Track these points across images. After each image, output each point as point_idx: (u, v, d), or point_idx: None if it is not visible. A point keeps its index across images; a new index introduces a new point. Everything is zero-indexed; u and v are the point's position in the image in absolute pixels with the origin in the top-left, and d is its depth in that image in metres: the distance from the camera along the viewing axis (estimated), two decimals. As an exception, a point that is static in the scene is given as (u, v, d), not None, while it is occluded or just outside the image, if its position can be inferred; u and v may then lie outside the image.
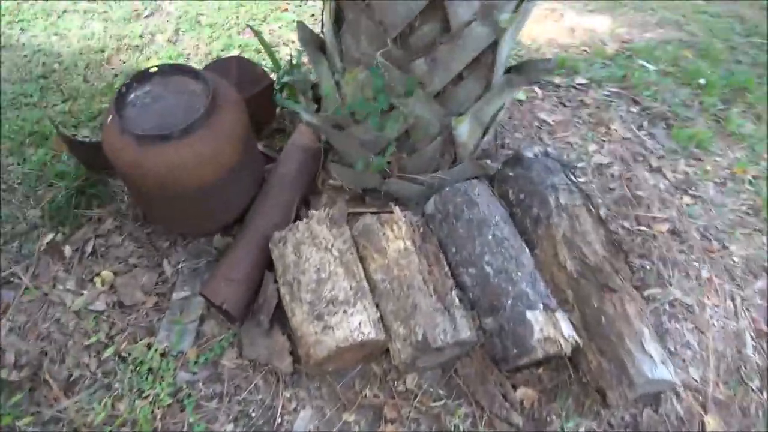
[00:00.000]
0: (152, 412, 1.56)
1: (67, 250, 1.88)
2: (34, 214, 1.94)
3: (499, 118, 1.99)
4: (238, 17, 2.98)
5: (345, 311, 1.56)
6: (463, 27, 1.50)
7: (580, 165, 2.34)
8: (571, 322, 1.70)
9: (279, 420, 1.61)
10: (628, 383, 1.58)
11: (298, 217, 1.89)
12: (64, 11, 2.94)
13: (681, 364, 1.83)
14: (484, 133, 1.96)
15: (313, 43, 1.82)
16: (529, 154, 1.97)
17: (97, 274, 1.81)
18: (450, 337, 1.56)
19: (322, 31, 1.83)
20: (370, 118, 1.65)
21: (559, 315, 1.66)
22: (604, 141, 2.50)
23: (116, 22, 2.88)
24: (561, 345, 1.60)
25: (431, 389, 1.70)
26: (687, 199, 2.34)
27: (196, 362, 1.67)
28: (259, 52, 2.74)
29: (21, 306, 1.75)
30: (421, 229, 1.83)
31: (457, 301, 1.65)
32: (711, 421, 1.72)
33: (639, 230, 2.14)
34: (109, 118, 1.62)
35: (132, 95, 1.67)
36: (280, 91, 2.08)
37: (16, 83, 2.48)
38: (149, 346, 1.69)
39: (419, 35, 1.55)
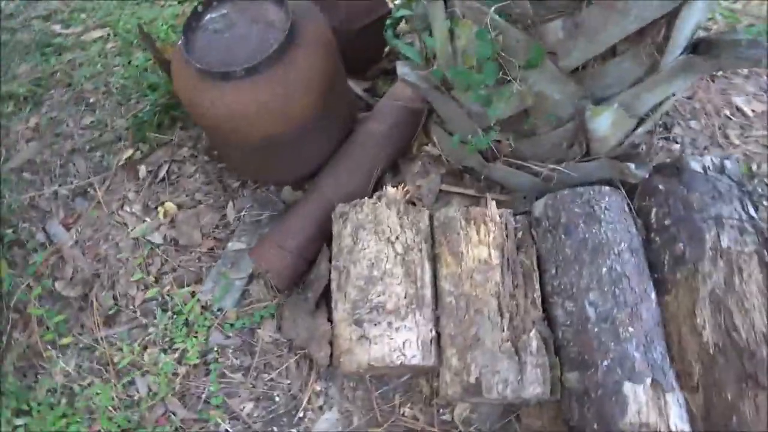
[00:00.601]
0: (176, 368, 1.46)
1: (142, 170, 1.79)
2: (121, 124, 1.87)
3: (665, 108, 1.46)
4: None
5: (390, 324, 1.28)
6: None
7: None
8: (689, 410, 1.26)
9: (301, 414, 1.43)
10: None
11: (380, 186, 1.60)
12: None
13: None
14: (638, 126, 1.45)
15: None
16: (695, 166, 1.43)
17: (162, 204, 1.71)
18: (511, 391, 1.22)
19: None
20: (471, 91, 1.25)
21: (672, 398, 1.23)
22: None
23: None
24: (663, 438, 1.19)
25: (481, 429, 1.40)
26: None
27: (232, 325, 1.53)
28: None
29: (90, 220, 1.72)
30: (520, 235, 1.45)
31: (534, 344, 1.28)
32: None
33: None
34: (178, 43, 1.41)
35: (207, 17, 1.43)
36: (392, 27, 1.71)
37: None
38: (192, 294, 1.57)
39: (560, -15, 1.09)
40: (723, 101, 1.89)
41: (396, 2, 1.77)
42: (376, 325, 1.28)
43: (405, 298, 1.31)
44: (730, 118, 1.84)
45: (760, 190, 1.69)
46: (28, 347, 1.53)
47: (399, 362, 1.25)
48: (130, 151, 1.82)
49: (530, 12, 1.12)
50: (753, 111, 1.88)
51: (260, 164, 1.58)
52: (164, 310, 1.56)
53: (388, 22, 1.69)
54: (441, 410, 1.43)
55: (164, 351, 1.50)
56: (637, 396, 1.21)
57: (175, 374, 1.46)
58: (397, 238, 1.37)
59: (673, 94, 1.38)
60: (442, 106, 1.51)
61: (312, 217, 1.51)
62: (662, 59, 1.20)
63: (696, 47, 1.26)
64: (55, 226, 1.72)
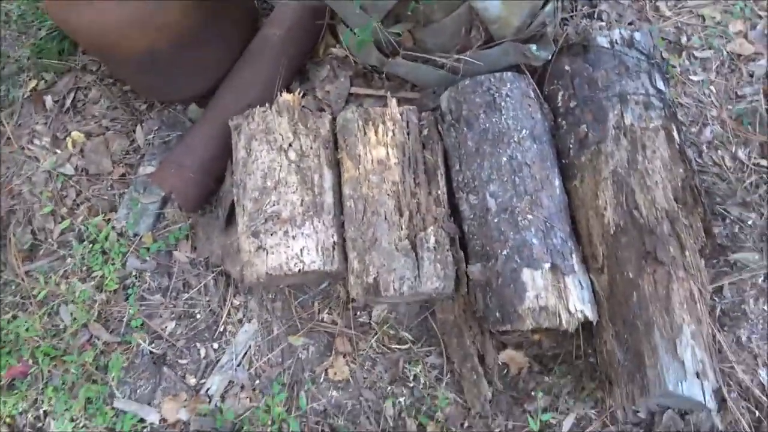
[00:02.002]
0: (95, 297, 1.47)
1: (49, 100, 1.72)
2: (23, 54, 1.78)
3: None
4: None
5: (286, 232, 1.26)
6: None
7: (701, 55, 1.62)
8: (593, 288, 1.26)
9: (222, 328, 1.46)
10: (640, 386, 1.17)
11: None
12: None
13: (750, 362, 1.34)
14: (545, 4, 1.36)
15: None
16: (603, 41, 1.35)
17: (70, 134, 1.66)
18: (407, 287, 1.22)
19: None
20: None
21: (571, 281, 1.22)
22: (760, 17, 1.69)
23: None
24: (561, 320, 1.19)
25: (398, 328, 1.42)
26: None
27: (149, 249, 1.52)
28: None
29: (3, 156, 1.68)
30: (425, 132, 1.39)
31: (432, 240, 1.26)
32: (760, 449, 1.27)
33: (757, 165, 1.49)
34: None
35: None
36: None
37: None
38: (107, 221, 1.56)
39: None
40: (656, -30, 1.76)
41: None
42: (272, 235, 1.26)
43: (301, 206, 1.29)
44: (660, -9, 1.72)
45: (687, 62, 1.60)
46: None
47: (297, 269, 1.24)
48: (34, 82, 1.75)
49: None
50: (688, -21, 1.75)
51: (156, 81, 1.51)
52: (80, 241, 1.55)
53: None
54: (358, 313, 1.45)
55: (83, 280, 1.50)
56: (535, 282, 1.20)
57: (95, 301, 1.47)
58: (290, 145, 1.32)
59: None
60: (335, 3, 1.41)
61: (213, 133, 1.46)
62: None
63: None
64: (-34, 166, 1.69)
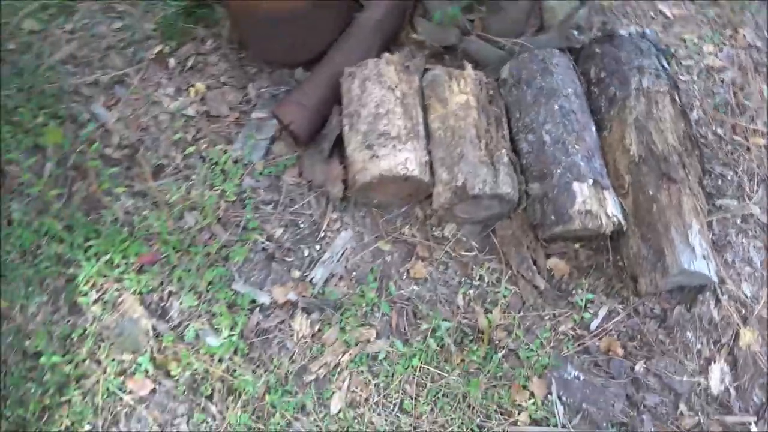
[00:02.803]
0: (218, 203, 1.79)
1: (172, 61, 2.10)
2: (149, 27, 2.17)
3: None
4: None
5: (394, 146, 1.64)
6: None
7: (686, 63, 2.15)
8: (622, 206, 1.68)
9: (322, 235, 1.79)
10: (662, 270, 1.56)
11: (376, 64, 1.96)
12: None
13: (735, 278, 1.75)
14: (582, 5, 1.86)
15: None
16: (623, 33, 1.86)
17: (192, 86, 2.03)
18: (489, 188, 1.60)
19: None
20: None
21: (608, 193, 1.64)
22: (724, 44, 2.25)
23: None
24: (602, 221, 1.60)
25: (466, 240, 1.78)
26: (805, 121, 2.10)
27: (261, 173, 1.86)
28: None
29: (128, 101, 2.02)
30: (491, 92, 1.83)
31: (506, 158, 1.67)
32: (747, 333, 1.66)
33: (732, 139, 1.98)
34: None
35: None
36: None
37: None
38: (225, 152, 1.90)
39: None
40: (650, 6, 2.33)
41: None
42: (383, 147, 1.64)
43: (404, 129, 1.68)
44: (654, 18, 2.28)
45: (677, 68, 2.13)
46: (87, 196, 1.82)
47: (403, 173, 1.61)
48: (159, 47, 2.12)
49: None
50: (674, 14, 2.33)
51: (282, 42, 1.91)
52: (203, 162, 1.88)
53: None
54: (433, 229, 1.81)
55: (206, 191, 1.82)
56: (582, 191, 1.61)
57: (217, 207, 1.79)
58: (396, 86, 1.74)
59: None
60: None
61: (325, 81, 1.86)
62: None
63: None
64: (99, 107, 2.01)
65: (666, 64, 1.82)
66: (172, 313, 1.66)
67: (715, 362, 1.62)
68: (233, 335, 1.61)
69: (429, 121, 1.78)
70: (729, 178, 1.90)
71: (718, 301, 1.70)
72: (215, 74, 2.07)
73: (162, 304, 1.68)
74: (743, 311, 1.70)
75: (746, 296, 1.72)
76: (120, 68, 2.09)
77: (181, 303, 1.67)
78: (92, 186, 1.84)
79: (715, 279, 1.55)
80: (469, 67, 1.81)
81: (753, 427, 1.54)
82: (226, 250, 1.74)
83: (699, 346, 1.64)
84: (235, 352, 1.60)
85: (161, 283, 1.70)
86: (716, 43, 2.24)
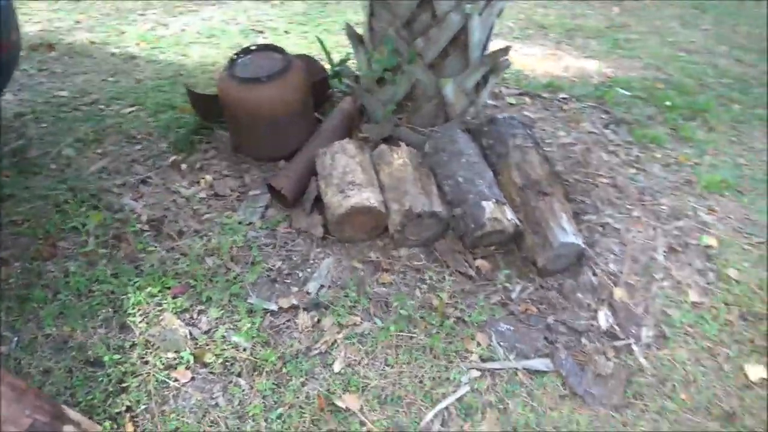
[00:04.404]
0: (230, 247, 2.41)
1: (184, 166, 2.83)
2: (164, 145, 2.93)
3: (483, 97, 2.86)
4: (310, 48, 4.09)
5: (359, 189, 2.39)
6: (445, 15, 2.43)
7: (549, 141, 3.14)
8: (518, 218, 2.45)
9: (311, 262, 2.41)
10: (549, 248, 2.30)
11: (336, 153, 2.78)
12: (190, 42, 4.14)
13: (604, 261, 2.51)
14: (471, 105, 2.82)
15: (354, 36, 2.80)
16: (500, 117, 2.81)
17: (203, 178, 2.75)
18: (428, 208, 2.35)
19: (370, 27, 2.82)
20: (386, 74, 2.57)
21: (506, 207, 2.42)
22: (572, 131, 3.29)
23: (225, 49, 4.04)
24: (505, 224, 2.36)
25: (416, 256, 2.47)
26: (632, 171, 3.07)
27: (260, 227, 2.52)
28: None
29: (152, 194, 2.69)
30: (420, 160, 2.67)
31: (435, 191, 2.45)
32: (618, 291, 2.37)
33: (585, 181, 2.89)
34: (223, 71, 2.63)
35: (239, 60, 2.68)
36: (333, 78, 3.06)
37: (155, 80, 3.61)
38: (231, 217, 2.56)
39: (419, 22, 2.49)
40: (519, 113, 3.38)
41: (332, 67, 3.12)
42: (352, 190, 2.39)
43: (365, 180, 2.45)
44: (523, 119, 3.31)
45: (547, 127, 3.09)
46: (127, 254, 2.39)
47: (367, 204, 2.34)
48: (174, 157, 2.87)
49: (407, 34, 2.50)
50: (536, 116, 3.38)
51: (269, 141, 2.72)
52: (215, 224, 2.52)
53: (331, 73, 3.04)
54: (392, 251, 2.49)
55: (223, 236, 2.44)
56: (489, 206, 2.38)
57: (230, 250, 2.40)
58: (356, 155, 2.54)
59: (487, 85, 2.78)
60: (368, 101, 2.79)
61: (304, 163, 2.64)
62: (469, 58, 2.61)
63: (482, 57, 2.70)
64: (128, 200, 2.66)
65: (529, 132, 2.76)
66: (202, 323, 2.17)
67: (600, 310, 2.29)
68: (252, 330, 2.13)
69: (380, 178, 2.56)
70: (587, 202, 2.76)
71: (594, 273, 2.43)
72: (218, 170, 2.81)
73: (194, 319, 2.19)
74: (613, 279, 2.43)
75: (614, 270, 2.46)
76: (143, 173, 2.80)
77: (208, 315, 2.19)
78: (130, 246, 2.42)
79: (583, 245, 2.30)
80: (403, 144, 2.67)
81: (634, 347, 2.18)
82: (240, 278, 2.32)
83: (587, 302, 2.32)
84: (255, 341, 2.11)
85: (192, 305, 2.22)
86: (566, 130, 3.28)
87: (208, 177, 2.76)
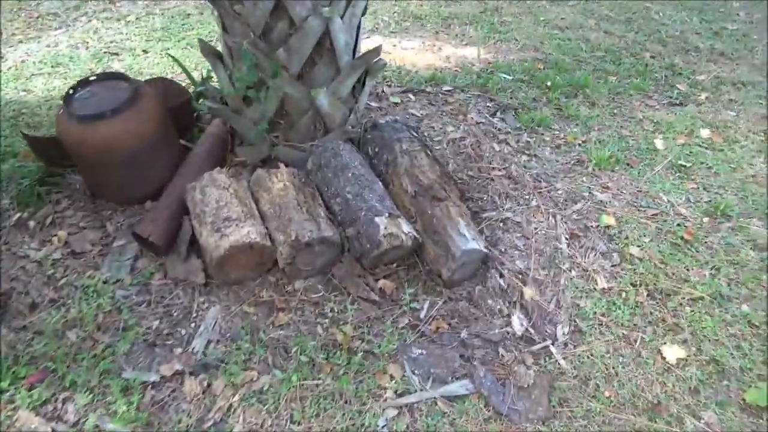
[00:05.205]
0: (95, 314, 2.06)
1: (32, 224, 2.42)
2: (5, 203, 2.50)
3: (363, 102, 2.67)
4: (173, 67, 3.72)
5: (237, 225, 2.12)
6: (303, 21, 2.20)
7: (438, 139, 3.01)
8: (415, 229, 2.29)
9: (195, 315, 2.12)
10: (451, 257, 2.15)
11: (211, 184, 2.48)
12: (33, 74, 3.64)
13: (509, 259, 2.41)
14: (351, 112, 2.62)
15: (211, 52, 2.51)
16: (382, 121, 2.64)
17: (55, 235, 2.36)
18: (316, 234, 2.12)
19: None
20: (250, 92, 2.31)
21: (401, 220, 2.25)
22: (460, 124, 3.19)
23: (74, 78, 3.57)
24: (402, 238, 2.18)
25: (313, 287, 2.24)
26: (525, 158, 3.01)
27: (131, 284, 2.19)
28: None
29: (-5, 263, 2.27)
30: (303, 180, 2.44)
31: (323, 214, 2.23)
32: (528, 290, 2.27)
33: (480, 176, 2.79)
34: (60, 110, 2.25)
35: (77, 94, 2.31)
36: (196, 99, 2.74)
37: (-9, 125, 3.11)
38: (94, 277, 2.21)
39: (276, 31, 2.25)
40: (404, 112, 3.23)
41: (194, 87, 2.80)
42: (229, 227, 2.11)
43: (242, 212, 2.18)
44: (408, 118, 3.17)
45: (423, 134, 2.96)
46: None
47: (248, 241, 2.08)
48: (18, 215, 2.44)
49: (265, 46, 2.25)
50: (422, 113, 3.25)
51: (127, 181, 2.37)
52: (76, 290, 2.16)
53: (194, 93, 2.73)
54: (286, 286, 2.24)
55: (86, 302, 2.08)
56: (383, 222, 2.20)
57: (96, 318, 2.05)
58: (229, 186, 2.26)
59: (363, 90, 2.59)
60: (236, 122, 2.52)
61: (172, 200, 2.32)
62: (340, 64, 2.40)
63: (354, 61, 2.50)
64: (-36, 275, 2.23)
65: (416, 133, 2.60)
66: (69, 414, 1.83)
67: (513, 315, 2.19)
68: (131, 412, 1.81)
69: (260, 207, 2.30)
70: (485, 199, 2.65)
71: (501, 275, 2.32)
72: (74, 222, 2.43)
73: (57, 411, 1.84)
74: (521, 277, 2.33)
75: (520, 268, 2.37)
76: (-20, 240, 2.36)
77: (75, 403, 1.85)
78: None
79: (484, 249, 2.17)
80: (282, 165, 2.42)
81: (552, 348, 2.08)
82: (111, 350, 1.98)
83: (498, 307, 2.21)
84: (135, 425, 1.79)
85: (53, 394, 1.87)
86: (454, 125, 3.17)
87: (62, 233, 2.37)
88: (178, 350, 2.01)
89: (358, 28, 2.50)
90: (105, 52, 3.96)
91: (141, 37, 4.20)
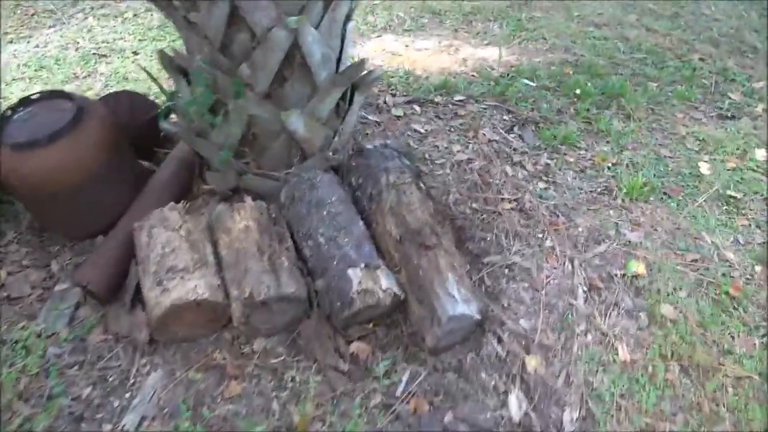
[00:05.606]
0: (17, 379, 1.78)
1: (-31, 259, 2.16)
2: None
3: (351, 123, 2.30)
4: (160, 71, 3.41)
5: (182, 277, 1.80)
6: (265, 33, 1.84)
7: (440, 162, 2.61)
8: (398, 280, 1.91)
9: (132, 381, 1.81)
10: (437, 321, 1.77)
11: (171, 217, 2.17)
12: (13, 79, 3.40)
13: (512, 316, 2.01)
14: (335, 135, 2.26)
15: (173, 67, 2.17)
16: (369, 146, 2.26)
17: (-9, 275, 2.09)
18: (273, 291, 1.78)
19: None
20: (204, 117, 1.97)
21: (380, 272, 1.87)
22: (469, 143, 2.78)
23: (55, 84, 3.32)
24: (379, 297, 1.81)
25: (274, 349, 1.90)
26: (541, 185, 2.58)
27: (66, 339, 1.90)
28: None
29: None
30: (274, 215, 2.09)
31: (286, 264, 1.88)
32: (531, 360, 1.88)
33: (485, 209, 2.38)
34: (-9, 137, 1.96)
35: (15, 116, 2.01)
36: (164, 116, 2.42)
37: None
38: (26, 328, 1.92)
39: (237, 44, 1.89)
40: (406, 128, 2.84)
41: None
42: (172, 280, 1.79)
43: (192, 260, 1.85)
44: (410, 135, 2.78)
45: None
46: None
47: (192, 299, 1.75)
48: (-44, 250, 2.19)
49: (226, 62, 1.90)
50: (426, 129, 2.86)
51: (74, 215, 2.07)
52: (3, 345, 1.88)
53: (160, 111, 2.40)
54: (243, 346, 1.91)
55: (11, 362, 1.80)
56: (356, 274, 1.84)
57: (17, 383, 1.77)
58: (180, 227, 1.94)
59: (350, 109, 2.21)
60: (201, 146, 2.18)
61: (119, 240, 2.01)
62: (317, 81, 2.03)
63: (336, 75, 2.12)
64: None
65: (408, 162, 2.22)
66: (-31, 506, 1.55)
67: (511, 393, 1.80)
68: (39, 508, 1.52)
69: (219, 250, 1.97)
70: (489, 239, 2.25)
71: (500, 339, 1.93)
72: (17, 260, 2.15)
73: (-42, 500, 1.57)
74: (524, 342, 1.93)
75: (525, 329, 1.97)
76: None
77: (-21, 492, 1.57)
78: None
79: (478, 316, 1.78)
80: (248, 198, 2.08)
81: (555, 441, 1.69)
82: (29, 424, 1.70)
83: (493, 382, 1.82)
84: None
85: (-44, 478, 1.60)
86: (462, 143, 2.76)
87: (2, 272, 2.10)
88: (108, 427, 1.71)
89: (343, 36, 2.13)
90: (94, 54, 3.70)
91: (135, 36, 3.92)
